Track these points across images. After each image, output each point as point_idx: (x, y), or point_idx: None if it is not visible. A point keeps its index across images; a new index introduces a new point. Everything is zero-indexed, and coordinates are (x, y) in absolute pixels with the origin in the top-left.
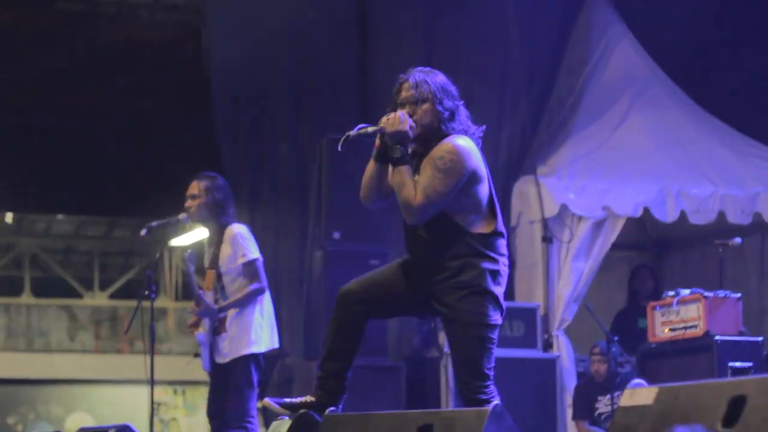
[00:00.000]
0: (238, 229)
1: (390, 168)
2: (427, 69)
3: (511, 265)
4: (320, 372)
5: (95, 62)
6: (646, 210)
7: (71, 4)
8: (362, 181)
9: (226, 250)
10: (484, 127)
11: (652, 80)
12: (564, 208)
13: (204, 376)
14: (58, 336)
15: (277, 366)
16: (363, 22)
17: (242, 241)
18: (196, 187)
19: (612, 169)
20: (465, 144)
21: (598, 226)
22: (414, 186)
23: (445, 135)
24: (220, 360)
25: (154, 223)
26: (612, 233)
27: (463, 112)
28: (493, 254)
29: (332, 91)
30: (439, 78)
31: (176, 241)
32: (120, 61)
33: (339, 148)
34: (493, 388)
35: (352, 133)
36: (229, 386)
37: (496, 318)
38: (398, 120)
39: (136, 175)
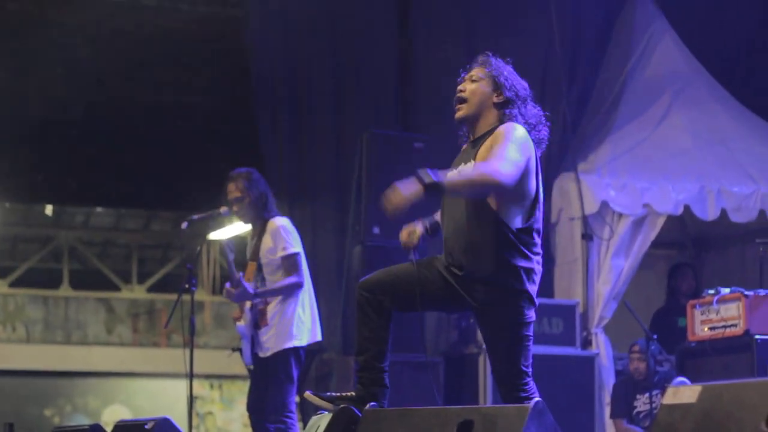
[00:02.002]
0: (281, 222)
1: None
2: (505, 60)
3: (551, 262)
4: (356, 367)
5: (136, 55)
6: (687, 208)
7: None
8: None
9: (267, 242)
10: (548, 130)
11: (694, 78)
12: (604, 205)
13: (240, 370)
14: (95, 328)
15: (315, 361)
16: (404, 17)
17: (285, 234)
18: (236, 189)
19: (653, 167)
20: (522, 131)
21: (638, 223)
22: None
23: (500, 123)
24: (261, 354)
25: (195, 216)
26: (652, 231)
27: (530, 108)
28: (528, 252)
29: (373, 85)
30: (511, 71)
31: (214, 235)
32: (160, 54)
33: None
34: (532, 385)
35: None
36: (270, 380)
37: (531, 315)
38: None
39: (174, 168)
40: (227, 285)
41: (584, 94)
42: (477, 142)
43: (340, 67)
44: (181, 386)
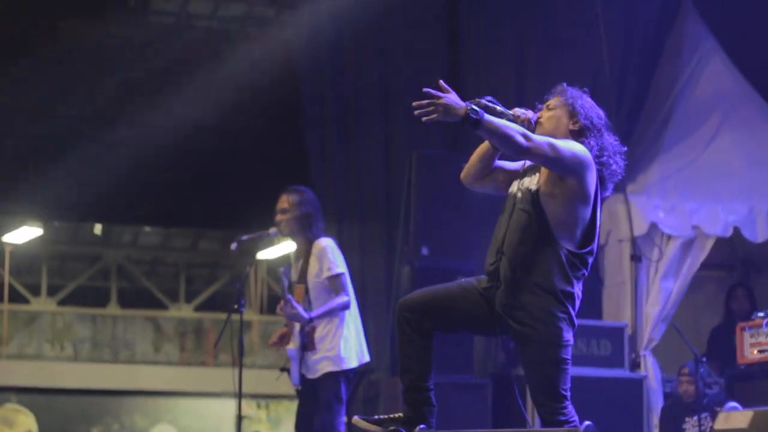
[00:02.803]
0: (326, 243)
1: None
2: (583, 91)
3: (599, 284)
4: (403, 388)
5: (184, 75)
6: (736, 229)
7: (163, 17)
8: (470, 159)
9: (313, 264)
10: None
11: (744, 99)
12: (653, 226)
13: (287, 389)
14: (143, 347)
15: (363, 382)
16: (453, 36)
17: (330, 255)
18: (286, 201)
19: (702, 188)
20: (587, 155)
21: (688, 245)
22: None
23: None
24: (310, 375)
25: (244, 237)
26: (701, 253)
27: (607, 138)
28: (572, 276)
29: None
30: (587, 100)
31: (262, 254)
32: (209, 74)
33: (468, 104)
34: (571, 409)
35: (483, 100)
36: (319, 402)
37: (569, 338)
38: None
39: (223, 187)
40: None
41: (633, 115)
42: None
43: (389, 87)
44: (228, 406)
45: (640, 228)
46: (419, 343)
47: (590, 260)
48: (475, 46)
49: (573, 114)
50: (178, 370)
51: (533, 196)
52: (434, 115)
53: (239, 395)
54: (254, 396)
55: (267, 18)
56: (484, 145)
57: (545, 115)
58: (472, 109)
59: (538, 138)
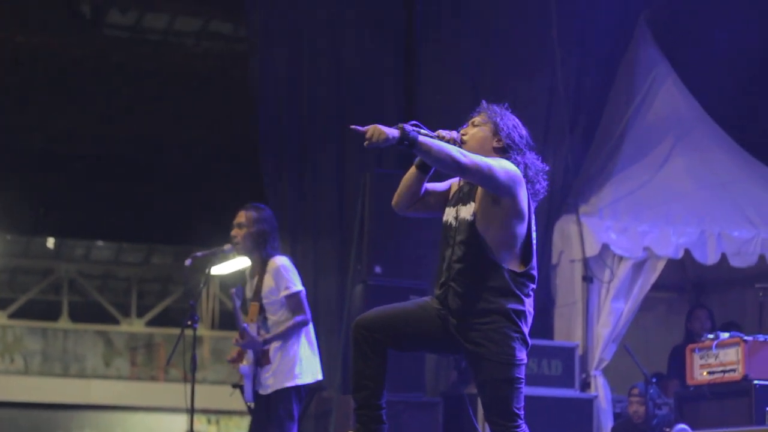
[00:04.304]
0: (282, 261)
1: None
2: (507, 109)
3: (551, 304)
4: (355, 406)
5: (139, 90)
6: (687, 252)
7: (117, 31)
8: (399, 186)
9: (268, 282)
10: (546, 183)
11: (696, 122)
12: (605, 248)
13: (238, 405)
14: (93, 361)
15: (315, 399)
16: (410, 59)
17: (285, 273)
18: (243, 216)
19: (654, 210)
20: (518, 171)
21: (639, 266)
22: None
23: None
24: (262, 391)
25: (198, 254)
26: (652, 274)
27: (530, 157)
28: (521, 294)
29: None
30: (511, 117)
31: (215, 270)
32: (163, 89)
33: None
34: (524, 427)
35: (406, 127)
36: (270, 418)
37: (523, 357)
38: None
39: (175, 203)
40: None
41: (587, 136)
42: (475, 184)
43: (344, 107)
44: (178, 421)
45: (592, 249)
46: (374, 361)
47: (535, 274)
48: (431, 67)
49: (496, 131)
50: (128, 385)
51: (470, 227)
52: (372, 141)
53: (191, 410)
54: (205, 411)
55: (222, 33)
56: (411, 172)
57: (470, 131)
58: (403, 128)
59: (474, 156)
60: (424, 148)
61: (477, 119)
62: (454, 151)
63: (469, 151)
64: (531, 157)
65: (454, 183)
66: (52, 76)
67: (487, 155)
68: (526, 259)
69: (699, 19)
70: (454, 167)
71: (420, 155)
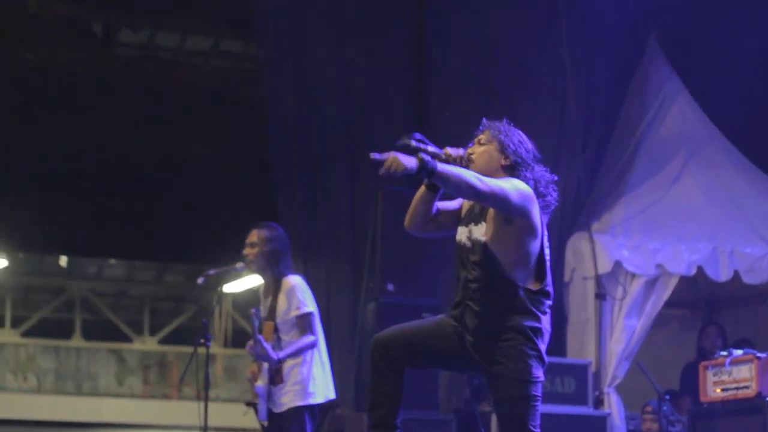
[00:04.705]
0: (295, 281)
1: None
2: (510, 125)
3: (563, 321)
4: (370, 423)
5: (150, 108)
6: (700, 269)
7: (128, 49)
8: (410, 207)
9: (282, 301)
10: (556, 195)
11: (708, 138)
12: (618, 265)
13: (251, 423)
14: (106, 380)
15: (328, 417)
16: (421, 78)
17: (299, 294)
18: (255, 235)
19: (666, 227)
20: (529, 190)
21: (651, 284)
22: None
23: None
24: (276, 409)
25: (211, 272)
26: (665, 291)
27: (539, 171)
28: (537, 312)
29: (389, 143)
30: (516, 132)
31: (228, 288)
32: (175, 107)
33: (398, 142)
34: None
35: (413, 142)
36: None
37: (540, 375)
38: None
39: (188, 221)
40: (251, 342)
41: (599, 154)
42: None
43: (356, 124)
44: None
45: (605, 266)
46: (392, 379)
47: (550, 290)
48: (441, 85)
49: (503, 149)
50: (141, 403)
51: (484, 249)
52: (390, 171)
53: (205, 428)
54: (217, 429)
55: (233, 51)
56: (421, 192)
57: (477, 150)
58: (422, 159)
59: (489, 182)
60: (443, 177)
61: (482, 137)
62: (471, 178)
63: (477, 171)
64: (539, 171)
65: (465, 202)
66: (64, 95)
67: (495, 174)
68: (540, 275)
69: (709, 36)
70: (471, 194)
71: (438, 184)
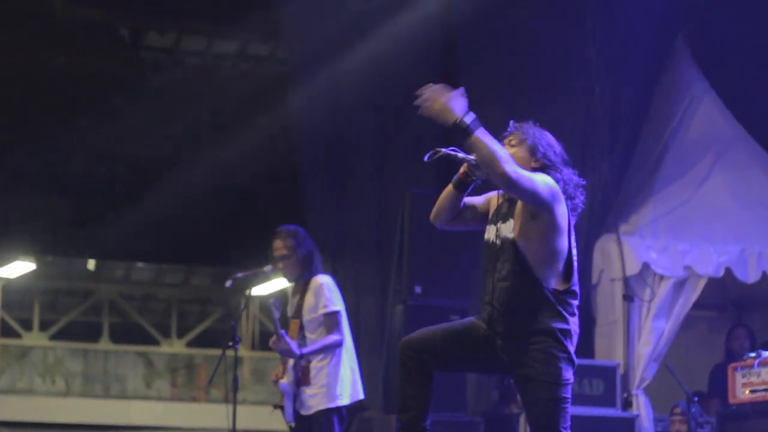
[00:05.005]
0: (324, 280)
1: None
2: (538, 126)
3: (591, 323)
4: (398, 426)
5: (178, 111)
6: (728, 270)
7: (155, 53)
8: (437, 202)
9: (309, 300)
10: (584, 197)
11: (735, 140)
12: (645, 266)
13: (279, 425)
14: (134, 382)
15: (356, 419)
16: (447, 80)
17: (327, 292)
18: (282, 246)
19: (694, 229)
20: (557, 187)
21: (680, 285)
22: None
23: None
24: (303, 412)
25: (239, 275)
26: (693, 293)
27: (567, 173)
28: (565, 313)
29: (414, 146)
30: (545, 134)
31: (255, 290)
32: (202, 111)
33: (425, 158)
34: None
35: (443, 150)
36: None
37: (569, 377)
38: None
39: (215, 224)
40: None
41: (626, 155)
42: (513, 201)
43: (383, 126)
44: None
45: (633, 268)
46: (420, 382)
47: (577, 290)
48: (469, 87)
49: (533, 151)
50: (169, 406)
51: (512, 246)
52: (431, 108)
53: (233, 431)
54: None
55: (261, 55)
56: (449, 190)
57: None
58: (468, 115)
59: (521, 170)
60: (479, 144)
61: (512, 139)
62: (505, 157)
63: None
64: (568, 173)
65: (492, 198)
66: (91, 98)
67: None
68: (567, 276)
69: (737, 37)
70: (500, 173)
71: (472, 147)
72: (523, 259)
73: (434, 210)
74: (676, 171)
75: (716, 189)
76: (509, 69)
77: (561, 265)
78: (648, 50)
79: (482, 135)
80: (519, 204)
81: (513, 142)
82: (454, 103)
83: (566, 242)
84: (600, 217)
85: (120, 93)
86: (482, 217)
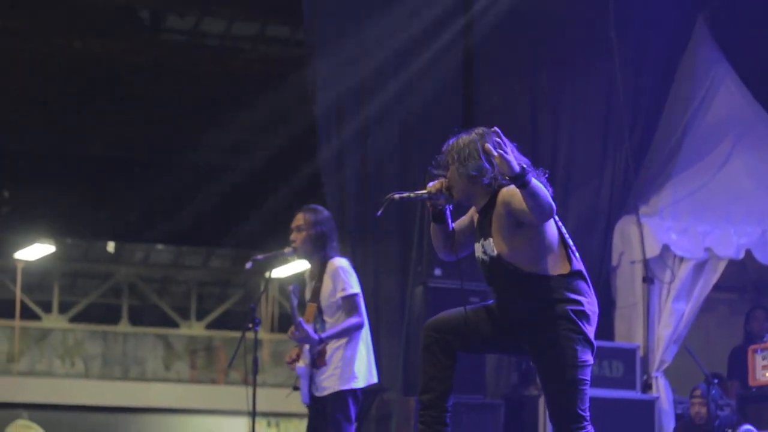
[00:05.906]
0: (340, 263)
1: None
2: (459, 132)
3: (611, 305)
4: (420, 407)
5: (197, 94)
6: (748, 252)
7: (175, 35)
8: (434, 244)
9: (327, 283)
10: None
11: (756, 121)
12: (666, 248)
13: (298, 408)
14: (153, 365)
15: (375, 401)
16: (469, 60)
17: (343, 275)
18: (302, 219)
19: (714, 211)
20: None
21: (700, 267)
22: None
23: (500, 186)
24: (318, 393)
25: (259, 257)
26: (713, 275)
27: (527, 164)
28: (575, 295)
29: (436, 126)
30: (464, 139)
31: (274, 273)
32: (221, 93)
33: (378, 214)
34: (590, 429)
35: (396, 196)
36: (328, 420)
37: (588, 358)
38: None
39: (234, 206)
40: (292, 329)
41: (646, 137)
42: (487, 215)
43: (404, 108)
44: (238, 423)
45: (653, 250)
46: (444, 363)
47: (580, 267)
48: (488, 70)
49: (461, 164)
50: (188, 388)
51: (498, 260)
52: (498, 159)
53: (253, 413)
54: (265, 414)
55: (280, 37)
56: (434, 227)
57: (448, 176)
58: (524, 169)
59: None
60: (532, 191)
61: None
62: (548, 195)
63: (459, 197)
64: (525, 162)
65: (474, 215)
66: (110, 81)
67: (481, 188)
68: (567, 257)
69: (759, 17)
70: (549, 214)
71: (525, 196)
72: (515, 269)
73: (436, 249)
74: (697, 152)
75: (737, 170)
76: (530, 52)
77: (557, 249)
78: (669, 32)
79: (535, 182)
80: (494, 217)
81: (443, 165)
82: (512, 160)
83: (554, 227)
84: (620, 199)
85: (139, 76)
86: (472, 236)
